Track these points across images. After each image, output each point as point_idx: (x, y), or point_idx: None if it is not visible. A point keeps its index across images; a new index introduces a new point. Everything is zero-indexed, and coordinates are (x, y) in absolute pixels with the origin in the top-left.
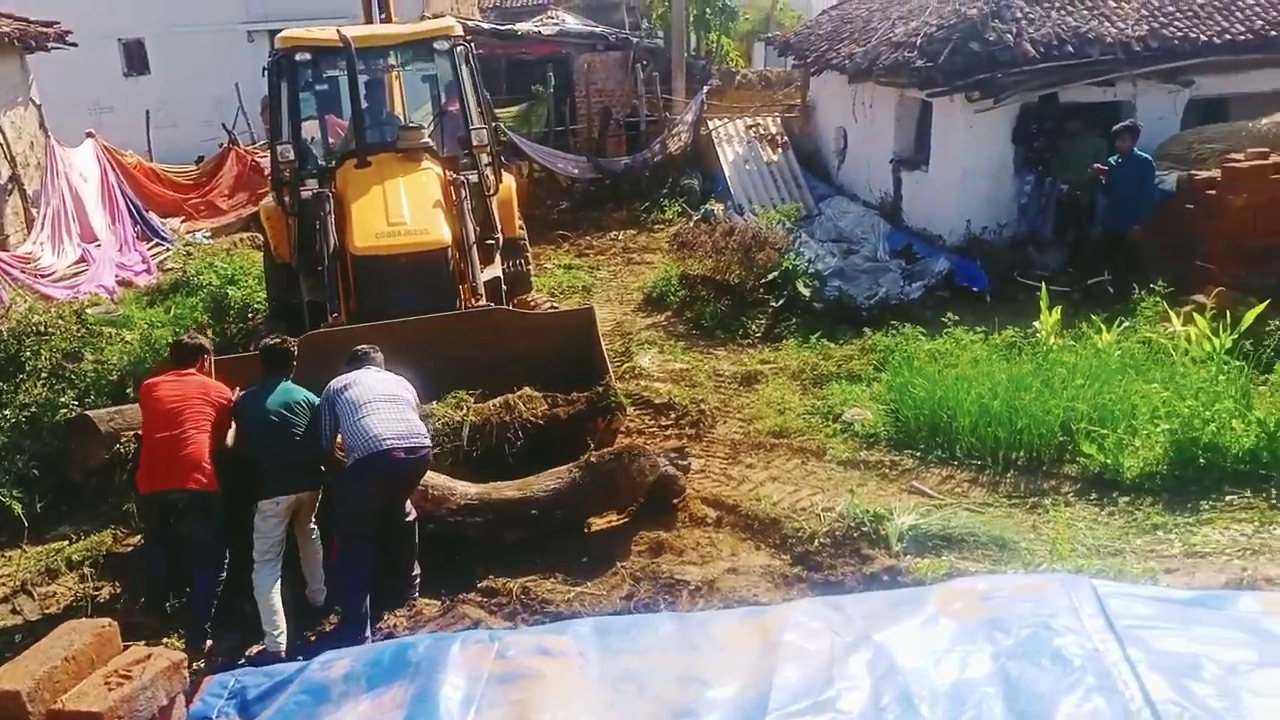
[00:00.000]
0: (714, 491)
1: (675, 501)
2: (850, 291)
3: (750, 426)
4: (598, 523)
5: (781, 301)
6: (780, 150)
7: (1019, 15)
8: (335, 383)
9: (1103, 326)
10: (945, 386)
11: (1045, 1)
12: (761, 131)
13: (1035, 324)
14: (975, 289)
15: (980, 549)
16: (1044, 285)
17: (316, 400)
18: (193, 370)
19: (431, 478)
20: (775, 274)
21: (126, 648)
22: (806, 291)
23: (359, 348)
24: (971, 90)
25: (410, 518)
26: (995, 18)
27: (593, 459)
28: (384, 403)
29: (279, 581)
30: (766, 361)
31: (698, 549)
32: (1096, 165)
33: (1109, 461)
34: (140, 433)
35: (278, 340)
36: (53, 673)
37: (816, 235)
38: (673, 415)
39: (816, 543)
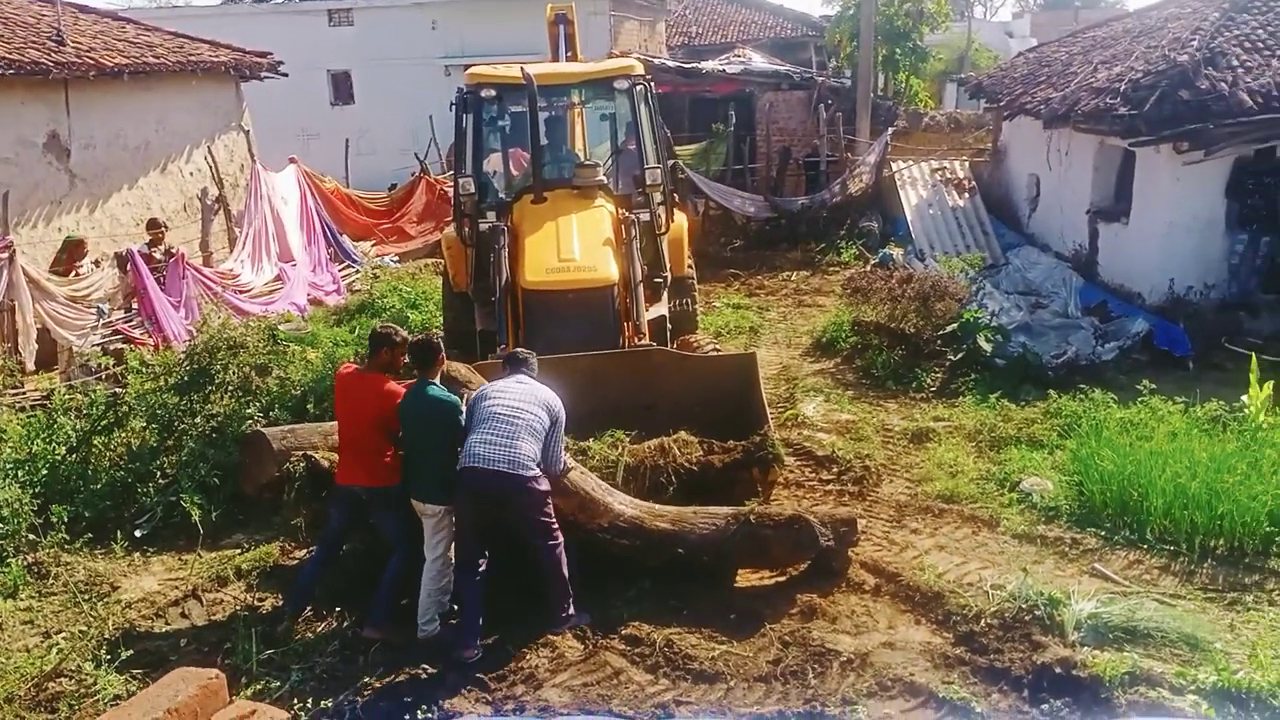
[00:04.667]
0: (874, 556)
1: (835, 565)
2: (1036, 349)
3: (918, 488)
4: (748, 576)
5: (960, 355)
6: (967, 195)
7: (1235, 63)
8: (483, 389)
9: None
10: (1137, 461)
11: (1265, 49)
12: (948, 175)
13: (1244, 398)
14: (1176, 354)
15: (1169, 646)
16: (1255, 355)
17: (457, 404)
18: (377, 366)
19: (594, 490)
20: (954, 326)
21: (232, 701)
22: (988, 346)
23: (517, 351)
24: (1180, 140)
25: (548, 541)
26: (1209, 65)
27: (752, 518)
28: (501, 421)
29: (430, 576)
30: (940, 419)
31: (852, 617)
32: None
33: None
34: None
35: (422, 336)
36: None
37: (1002, 286)
38: (835, 469)
39: (983, 623)
